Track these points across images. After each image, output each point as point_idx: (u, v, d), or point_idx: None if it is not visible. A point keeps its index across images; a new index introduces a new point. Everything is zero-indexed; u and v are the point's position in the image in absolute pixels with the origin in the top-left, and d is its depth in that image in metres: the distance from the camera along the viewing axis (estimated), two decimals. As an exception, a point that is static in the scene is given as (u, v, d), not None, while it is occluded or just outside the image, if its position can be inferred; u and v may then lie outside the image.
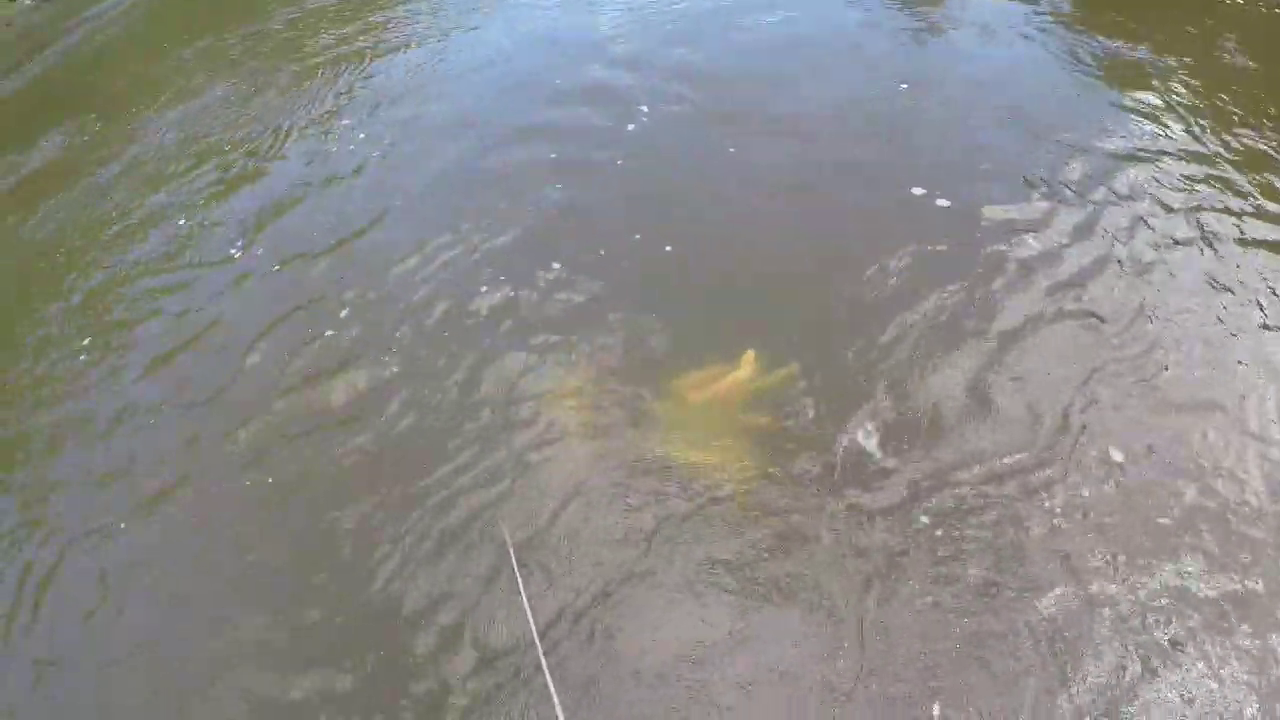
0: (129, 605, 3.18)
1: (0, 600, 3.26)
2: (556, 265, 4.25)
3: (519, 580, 2.84)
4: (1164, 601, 2.77)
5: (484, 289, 4.18)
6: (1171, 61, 5.35)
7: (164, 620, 3.13)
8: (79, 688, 2.98)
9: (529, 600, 2.77)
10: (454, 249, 4.46)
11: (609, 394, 3.59)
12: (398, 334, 4.02)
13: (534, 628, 2.58)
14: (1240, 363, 3.48)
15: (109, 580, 3.27)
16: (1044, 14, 6.08)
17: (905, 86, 5.34)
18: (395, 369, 3.86)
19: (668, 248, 4.29)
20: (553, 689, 2.18)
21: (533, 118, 5.50)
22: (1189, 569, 2.85)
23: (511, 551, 2.94)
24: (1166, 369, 3.45)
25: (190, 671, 2.95)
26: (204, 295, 4.51)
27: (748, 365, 3.57)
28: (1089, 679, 2.61)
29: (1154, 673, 2.61)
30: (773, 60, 5.80)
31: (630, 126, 5.25)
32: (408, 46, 6.69)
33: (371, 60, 6.56)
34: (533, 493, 3.26)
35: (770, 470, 3.23)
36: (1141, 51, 5.50)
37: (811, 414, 3.41)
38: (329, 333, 4.09)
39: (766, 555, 3.00)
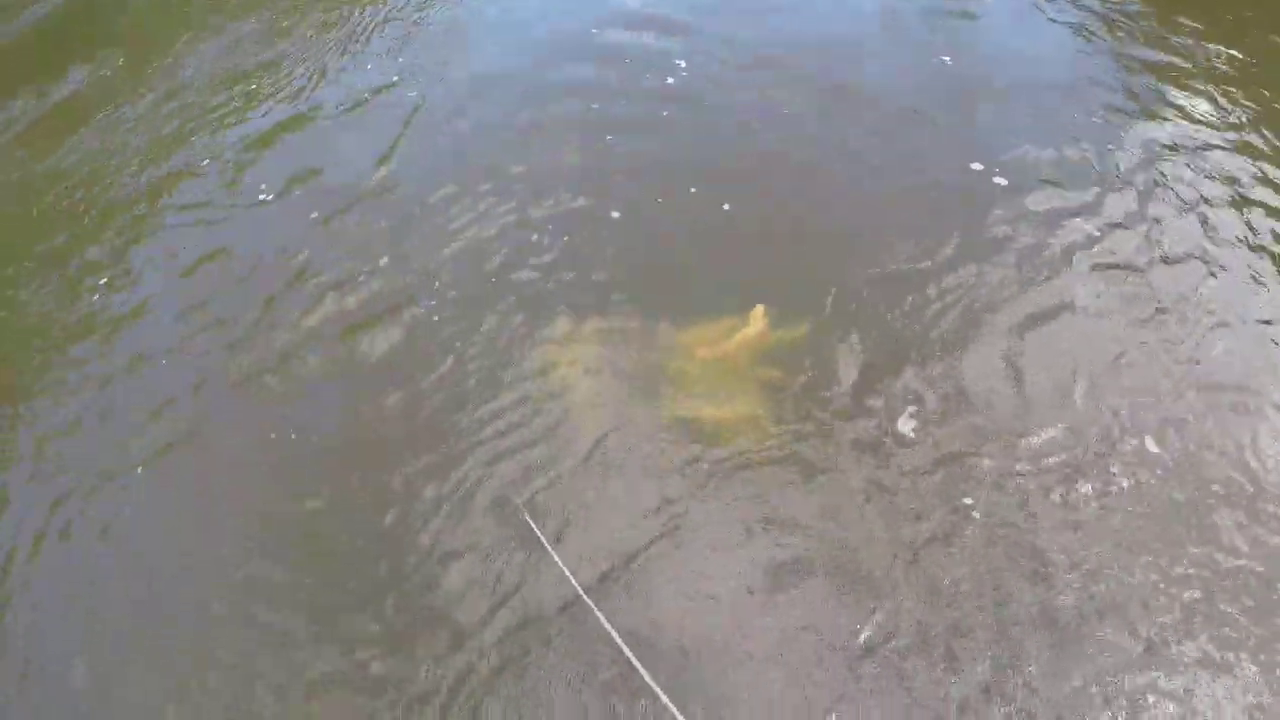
0: (136, 551, 3.10)
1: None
2: (595, 216, 4.13)
3: (543, 542, 2.79)
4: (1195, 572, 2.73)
5: (519, 240, 4.04)
6: (1221, 46, 5.11)
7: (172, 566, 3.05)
8: (74, 638, 2.88)
9: (562, 561, 2.72)
10: (497, 197, 4.29)
11: (623, 351, 3.51)
12: (436, 283, 3.89)
13: (574, 583, 2.57)
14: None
15: (114, 529, 3.17)
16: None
17: (948, 60, 5.14)
18: (432, 318, 3.73)
19: (725, 205, 4.16)
20: (613, 632, 2.22)
21: (576, 70, 5.28)
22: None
23: (530, 520, 2.90)
24: (1198, 362, 3.36)
25: (194, 623, 2.88)
26: (229, 236, 4.33)
27: (757, 320, 3.49)
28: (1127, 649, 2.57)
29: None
30: (818, 27, 5.58)
31: (669, 80, 5.06)
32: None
33: None
34: (553, 453, 3.18)
35: (786, 426, 3.18)
36: (1188, 38, 5.23)
37: (832, 372, 3.36)
38: (361, 279, 3.94)
39: (791, 510, 2.97)
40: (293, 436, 3.34)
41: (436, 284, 3.86)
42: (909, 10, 5.63)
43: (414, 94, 5.15)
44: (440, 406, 3.37)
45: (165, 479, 3.29)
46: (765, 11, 5.68)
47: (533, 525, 2.85)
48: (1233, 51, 5.04)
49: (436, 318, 3.71)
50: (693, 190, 4.23)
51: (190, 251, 4.27)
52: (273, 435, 3.36)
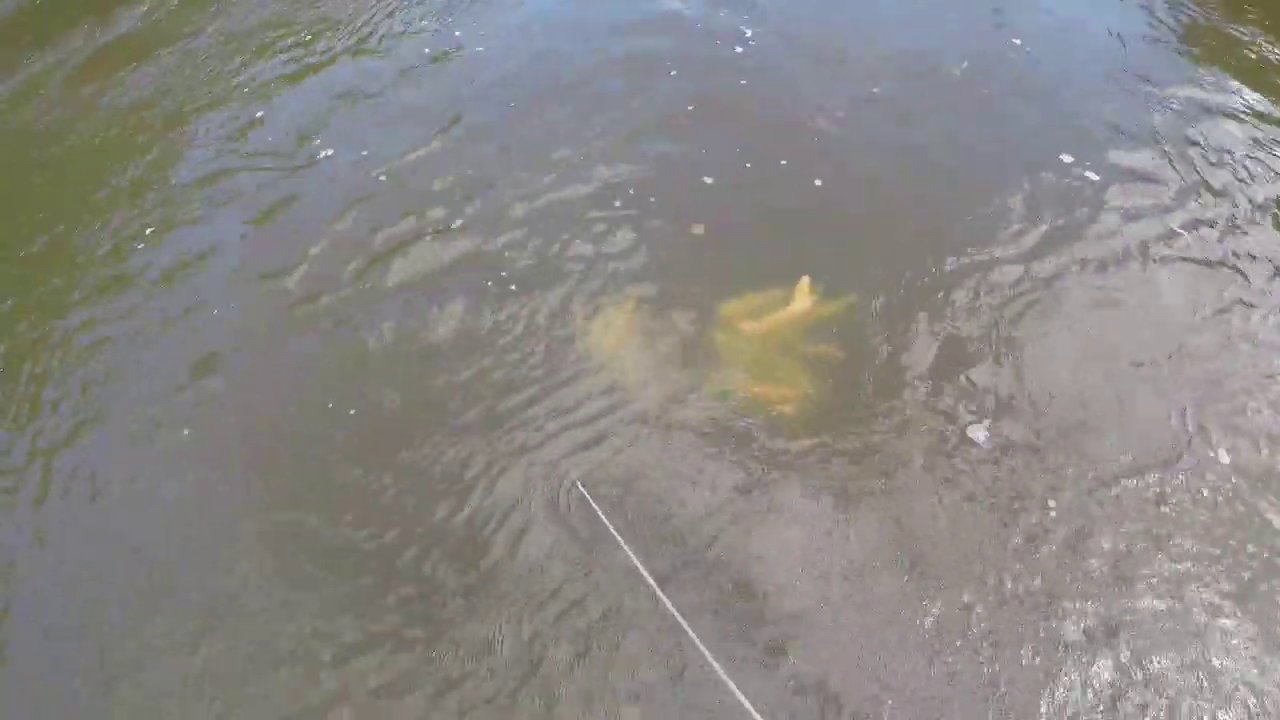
0: (161, 489, 3.12)
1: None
2: (649, 188, 4.05)
3: (605, 522, 2.74)
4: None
5: (583, 208, 3.98)
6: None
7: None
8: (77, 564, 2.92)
9: (625, 543, 2.67)
10: (565, 166, 4.22)
11: (671, 323, 3.47)
12: (504, 251, 3.84)
13: (637, 563, 2.53)
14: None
15: (145, 469, 3.18)
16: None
17: (1018, 42, 4.96)
18: (497, 288, 3.69)
19: (782, 161, 4.14)
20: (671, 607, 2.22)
21: (637, 29, 5.14)
22: None
23: (591, 500, 2.86)
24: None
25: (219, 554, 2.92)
26: (282, 188, 4.29)
27: (803, 295, 3.43)
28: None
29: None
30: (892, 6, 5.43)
31: (739, 49, 4.93)
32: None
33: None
34: (607, 429, 3.15)
35: (827, 399, 3.17)
36: (1255, 28, 5.07)
37: (877, 345, 3.32)
38: (428, 240, 3.92)
39: (856, 496, 2.94)
40: (351, 412, 3.28)
41: (505, 251, 3.81)
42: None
43: (481, 48, 5.07)
44: (498, 381, 3.33)
45: (214, 432, 3.29)
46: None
47: (592, 503, 2.84)
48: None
49: (500, 288, 3.67)
50: (748, 165, 4.14)
51: (254, 202, 4.25)
52: (330, 405, 3.31)
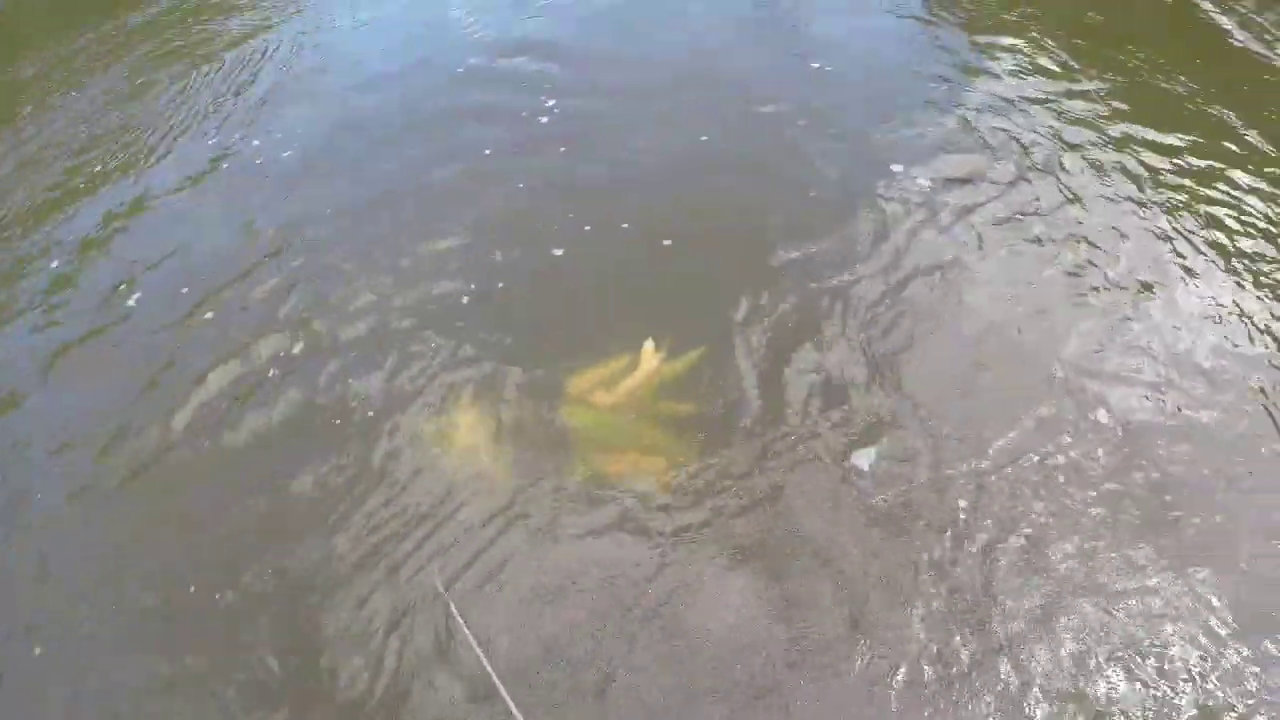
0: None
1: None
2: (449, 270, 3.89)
3: (465, 628, 2.54)
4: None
5: (397, 304, 3.76)
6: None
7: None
8: None
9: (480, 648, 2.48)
10: (399, 268, 4.00)
11: (520, 407, 3.26)
12: (327, 353, 3.55)
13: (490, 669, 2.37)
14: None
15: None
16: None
17: (818, 65, 5.13)
18: (321, 393, 3.42)
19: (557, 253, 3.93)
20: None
21: (441, 112, 5.06)
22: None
23: (451, 603, 2.64)
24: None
25: None
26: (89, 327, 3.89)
27: (649, 357, 3.32)
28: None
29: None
30: (688, 43, 5.52)
31: (544, 113, 4.87)
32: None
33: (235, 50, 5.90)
34: (467, 525, 2.90)
35: (701, 460, 2.99)
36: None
37: (730, 395, 3.20)
38: (245, 351, 3.64)
39: (745, 551, 2.76)
40: (192, 590, 2.90)
41: (327, 354, 3.53)
42: (763, 18, 5.67)
43: (267, 152, 4.85)
44: (339, 487, 3.06)
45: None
46: (633, 34, 5.61)
47: (452, 608, 2.61)
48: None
49: (326, 393, 3.39)
50: (587, 229, 4.01)
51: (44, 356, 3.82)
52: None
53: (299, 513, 3.01)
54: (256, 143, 5.01)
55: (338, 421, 3.29)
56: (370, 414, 3.30)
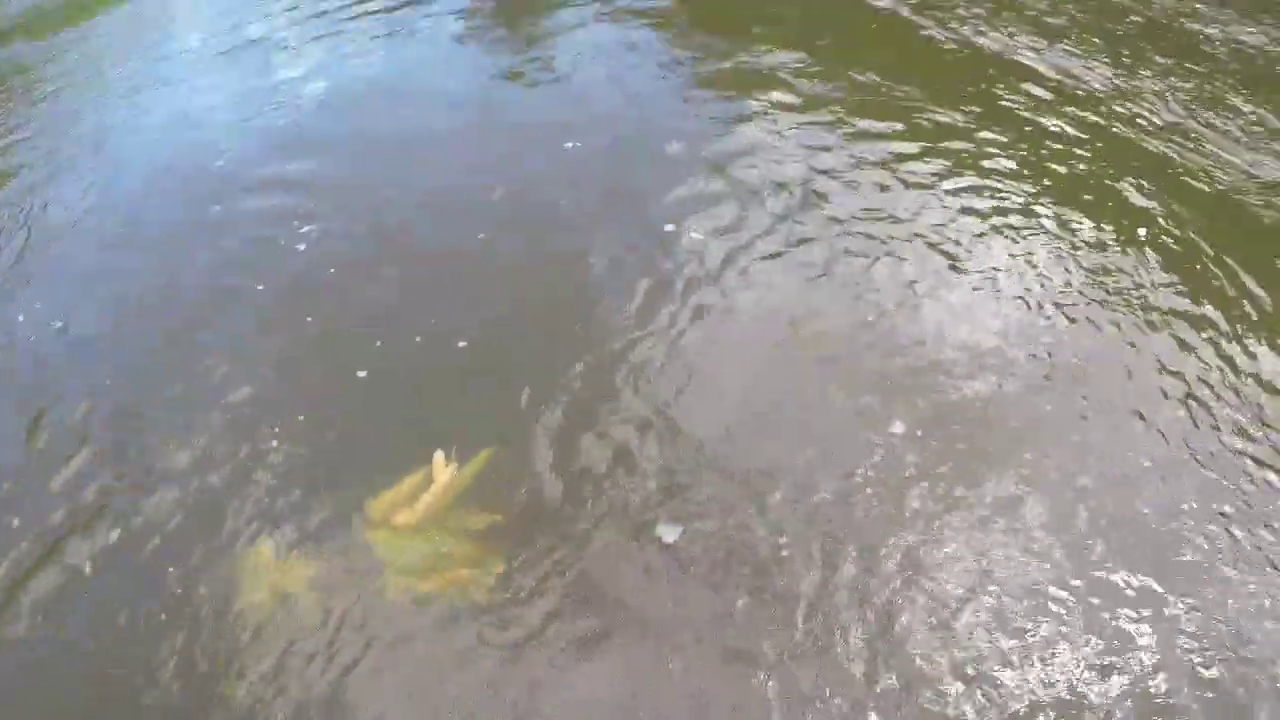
0: None
1: None
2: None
3: None
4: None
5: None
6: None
7: None
8: None
9: None
10: (189, 426, 3.67)
11: (319, 545, 3.08)
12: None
13: None
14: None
15: None
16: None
17: (571, 145, 5.17)
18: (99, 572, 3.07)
19: (417, 338, 3.84)
20: None
21: (181, 253, 4.82)
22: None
23: None
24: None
25: None
26: None
27: (441, 468, 3.26)
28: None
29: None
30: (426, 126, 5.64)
31: (301, 246, 4.69)
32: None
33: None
34: (279, 682, 2.68)
35: (511, 563, 2.93)
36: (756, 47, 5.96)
37: (529, 489, 3.15)
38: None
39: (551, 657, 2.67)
40: None
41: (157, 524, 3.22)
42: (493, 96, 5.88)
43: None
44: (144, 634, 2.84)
45: None
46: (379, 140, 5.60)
47: None
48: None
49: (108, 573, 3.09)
50: (379, 344, 3.88)
51: None
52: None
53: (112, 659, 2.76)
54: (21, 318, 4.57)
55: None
56: (171, 570, 3.06)
